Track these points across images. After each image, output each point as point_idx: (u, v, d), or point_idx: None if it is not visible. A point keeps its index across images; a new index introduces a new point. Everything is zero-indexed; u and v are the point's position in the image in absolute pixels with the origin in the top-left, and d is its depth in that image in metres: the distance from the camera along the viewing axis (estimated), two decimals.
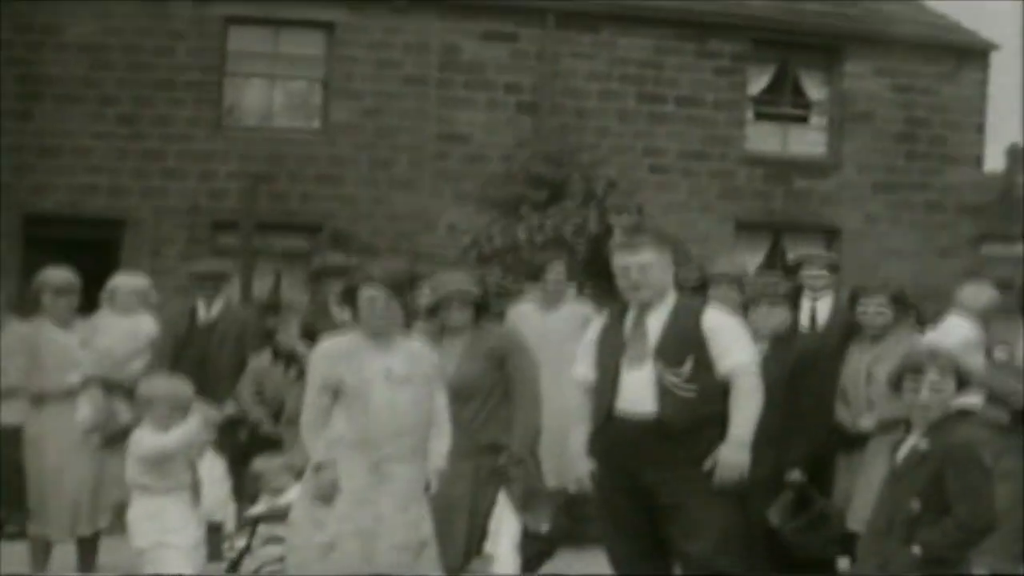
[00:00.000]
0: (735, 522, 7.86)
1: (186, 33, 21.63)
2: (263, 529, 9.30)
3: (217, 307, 11.59)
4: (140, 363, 10.66)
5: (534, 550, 9.00)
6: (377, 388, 7.80)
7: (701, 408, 7.82)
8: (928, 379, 6.57)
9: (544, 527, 8.98)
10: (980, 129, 25.57)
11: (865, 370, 9.11)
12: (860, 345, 9.34)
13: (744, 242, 23.70)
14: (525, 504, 8.83)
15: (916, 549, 6.34)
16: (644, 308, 8.04)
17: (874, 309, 9.31)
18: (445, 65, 22.60)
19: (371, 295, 7.84)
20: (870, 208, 24.43)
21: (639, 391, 7.90)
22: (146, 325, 10.92)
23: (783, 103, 24.77)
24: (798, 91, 24.86)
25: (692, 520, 7.79)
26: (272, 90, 22.75)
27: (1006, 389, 8.12)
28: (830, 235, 24.24)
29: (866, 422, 8.90)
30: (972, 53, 25.44)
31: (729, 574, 7.81)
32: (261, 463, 9.77)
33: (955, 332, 8.98)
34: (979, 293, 9.06)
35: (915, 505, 6.39)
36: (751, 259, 22.91)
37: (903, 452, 6.63)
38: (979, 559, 7.08)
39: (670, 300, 8.09)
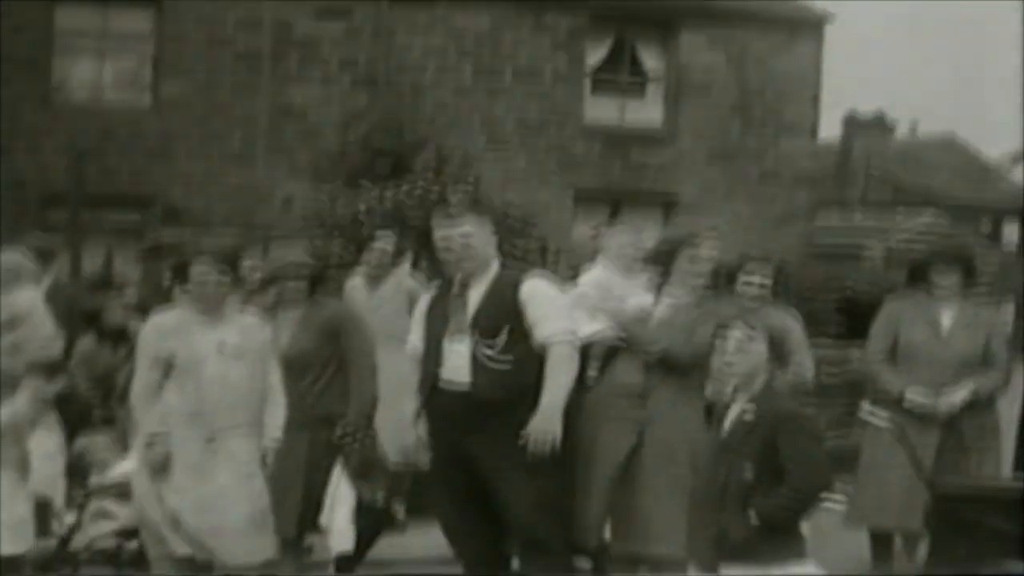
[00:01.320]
0: (552, 490, 7.83)
1: (13, 10, 21.20)
2: (93, 505, 9.10)
3: (45, 283, 11.31)
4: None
5: (370, 523, 8.99)
6: (210, 362, 7.85)
7: (516, 379, 7.80)
8: (734, 336, 6.58)
9: (379, 499, 8.98)
10: (815, 99, 25.87)
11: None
12: None
13: (583, 213, 23.79)
14: (361, 476, 8.81)
15: (752, 516, 6.36)
16: (466, 279, 8.02)
17: (758, 280, 9.29)
18: (278, 41, 22.40)
19: (203, 270, 7.86)
20: (706, 178, 24.63)
21: (458, 363, 7.88)
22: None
23: (620, 75, 24.87)
24: (635, 63, 24.99)
25: (510, 489, 7.79)
26: (101, 67, 22.42)
27: (643, 337, 8.08)
28: (667, 205, 24.40)
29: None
30: (806, 24, 25.74)
31: (545, 542, 7.85)
32: (84, 440, 9.59)
33: (588, 277, 8.94)
34: (619, 238, 8.99)
35: (748, 473, 6.41)
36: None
37: (729, 421, 6.63)
38: None
39: (492, 271, 8.06)
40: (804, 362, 9.07)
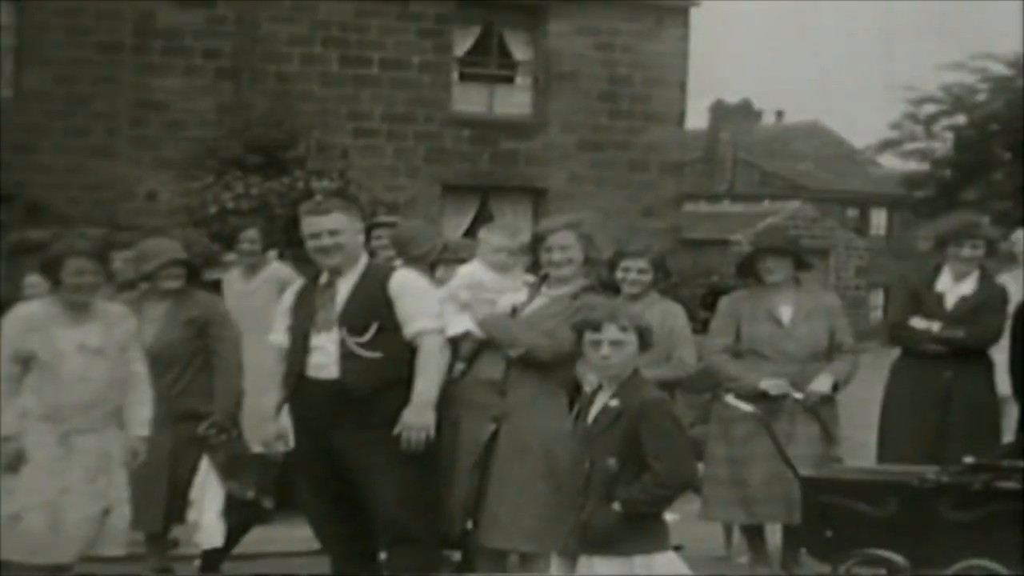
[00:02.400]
0: (421, 484, 7.85)
1: None
2: None
3: None
4: None
5: (239, 517, 8.93)
6: (69, 360, 7.74)
7: (385, 371, 7.77)
8: (608, 335, 6.56)
9: (249, 494, 8.92)
10: (682, 87, 25.95)
11: None
12: None
13: (452, 204, 23.79)
14: (229, 471, 8.79)
15: (616, 506, 6.35)
16: (335, 273, 7.98)
17: (636, 271, 9.29)
18: (140, 32, 22.11)
19: (77, 267, 7.76)
20: (575, 168, 24.72)
21: (326, 355, 7.84)
22: None
23: (488, 64, 24.90)
24: (503, 52, 25.03)
25: (377, 481, 7.78)
26: None
27: (504, 336, 8.14)
28: (537, 195, 24.48)
29: None
30: (672, 10, 25.87)
31: (412, 533, 7.84)
32: None
33: (460, 274, 8.98)
34: (492, 236, 9.03)
35: (612, 463, 6.41)
36: (459, 221, 23.03)
37: (595, 411, 6.62)
38: None
39: (361, 264, 8.05)
40: (686, 354, 9.18)
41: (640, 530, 6.38)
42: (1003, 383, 9.07)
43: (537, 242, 8.30)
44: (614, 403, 6.52)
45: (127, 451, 7.95)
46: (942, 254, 9.44)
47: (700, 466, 8.53)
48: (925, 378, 9.26)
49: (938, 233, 9.64)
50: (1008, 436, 9.11)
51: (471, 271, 8.75)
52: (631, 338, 6.58)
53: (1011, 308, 9.03)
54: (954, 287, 9.35)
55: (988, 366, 9.36)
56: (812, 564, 7.90)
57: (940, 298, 9.34)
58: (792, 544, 8.73)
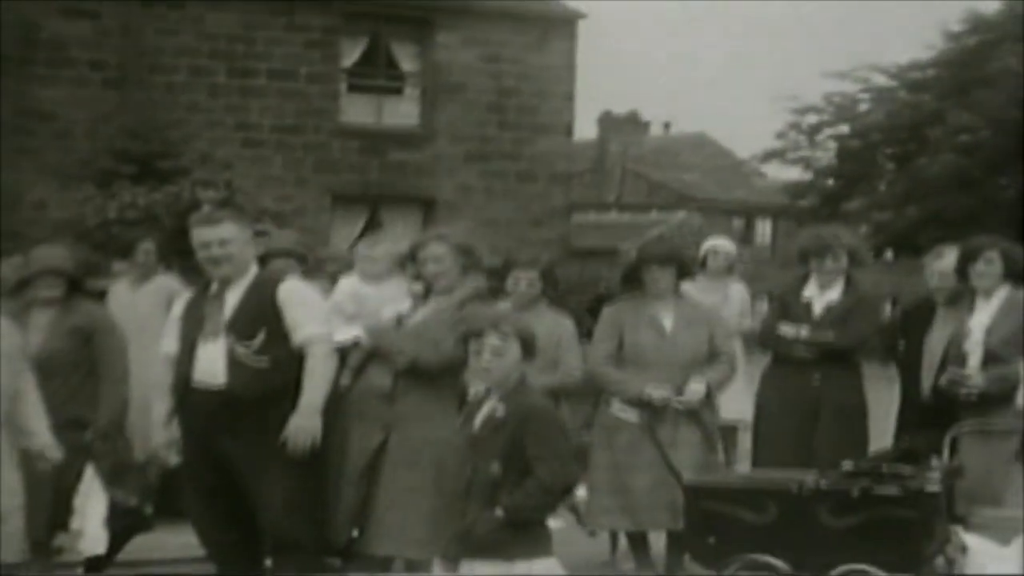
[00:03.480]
0: (307, 491, 7.91)
1: None
2: None
3: None
4: None
5: (123, 525, 8.91)
6: None
7: (273, 379, 7.81)
8: (489, 343, 6.66)
9: (133, 501, 8.94)
10: (569, 97, 26.09)
11: None
12: None
13: (341, 214, 23.76)
14: (113, 479, 8.78)
15: (499, 511, 6.43)
16: (225, 282, 8.00)
17: (525, 282, 9.39)
18: (25, 42, 21.87)
19: None
20: (464, 178, 24.77)
21: (213, 363, 7.87)
22: None
23: (376, 75, 24.94)
24: (391, 63, 25.05)
25: (263, 489, 7.81)
26: None
27: (391, 346, 8.29)
28: (425, 206, 24.48)
29: None
30: (559, 22, 26.01)
31: (297, 541, 7.89)
32: None
33: (342, 285, 9.10)
34: (371, 247, 9.15)
35: (495, 468, 6.47)
36: (348, 231, 23.00)
37: (480, 418, 6.71)
38: None
39: (251, 274, 8.07)
40: (573, 363, 9.29)
41: (522, 535, 6.45)
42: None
43: (412, 255, 8.45)
44: (499, 410, 6.59)
45: (36, 456, 7.76)
46: (806, 266, 9.58)
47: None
48: (795, 383, 9.35)
49: (800, 248, 9.79)
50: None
51: (350, 283, 8.85)
52: (513, 346, 6.67)
53: None
54: (821, 295, 9.46)
55: (856, 371, 9.51)
56: (696, 570, 7.96)
57: (808, 305, 9.45)
58: (676, 550, 8.84)
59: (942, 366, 8.94)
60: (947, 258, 9.35)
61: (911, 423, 9.32)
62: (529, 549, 6.47)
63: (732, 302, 11.14)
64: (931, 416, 8.95)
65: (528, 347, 6.74)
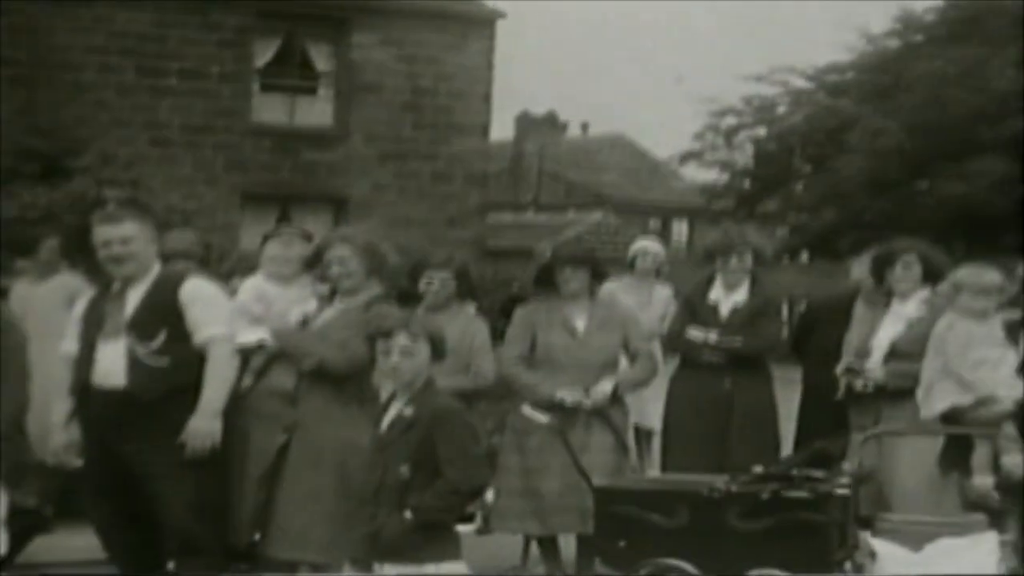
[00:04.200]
0: (209, 493, 7.83)
1: None
2: None
3: None
4: None
5: (22, 525, 8.79)
6: None
7: (173, 379, 7.76)
8: (398, 343, 6.65)
9: (32, 502, 8.93)
10: (486, 98, 26.15)
11: None
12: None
13: (251, 214, 23.70)
14: (12, 480, 8.53)
15: (408, 513, 6.44)
16: (127, 281, 7.92)
17: (438, 282, 9.30)
18: None
19: None
20: (377, 178, 24.81)
21: (113, 363, 7.80)
22: None
23: (290, 75, 24.89)
24: (305, 63, 25.04)
25: (164, 490, 7.76)
26: None
27: (297, 348, 8.27)
28: (338, 205, 24.47)
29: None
30: (477, 22, 26.05)
31: (199, 543, 7.83)
32: None
33: (246, 286, 8.99)
34: (277, 247, 9.07)
35: (405, 470, 6.49)
36: (259, 230, 22.83)
37: (388, 419, 6.71)
38: None
39: (153, 273, 8.01)
40: (485, 366, 9.16)
41: (431, 538, 6.47)
42: None
43: (317, 256, 8.40)
44: (408, 411, 6.61)
45: None
46: (712, 266, 9.56)
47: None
48: (705, 387, 9.33)
49: (706, 247, 9.80)
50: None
51: (255, 283, 8.72)
52: (422, 347, 6.68)
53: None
54: (727, 297, 9.46)
55: (766, 374, 9.49)
56: (606, 573, 7.87)
57: (715, 308, 9.44)
58: (586, 554, 8.70)
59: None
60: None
61: (817, 424, 9.24)
62: (438, 552, 6.50)
63: (656, 304, 11.09)
64: (838, 418, 8.96)
65: (437, 348, 6.74)
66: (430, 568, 6.45)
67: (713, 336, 9.29)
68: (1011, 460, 7.54)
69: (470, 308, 9.55)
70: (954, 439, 7.82)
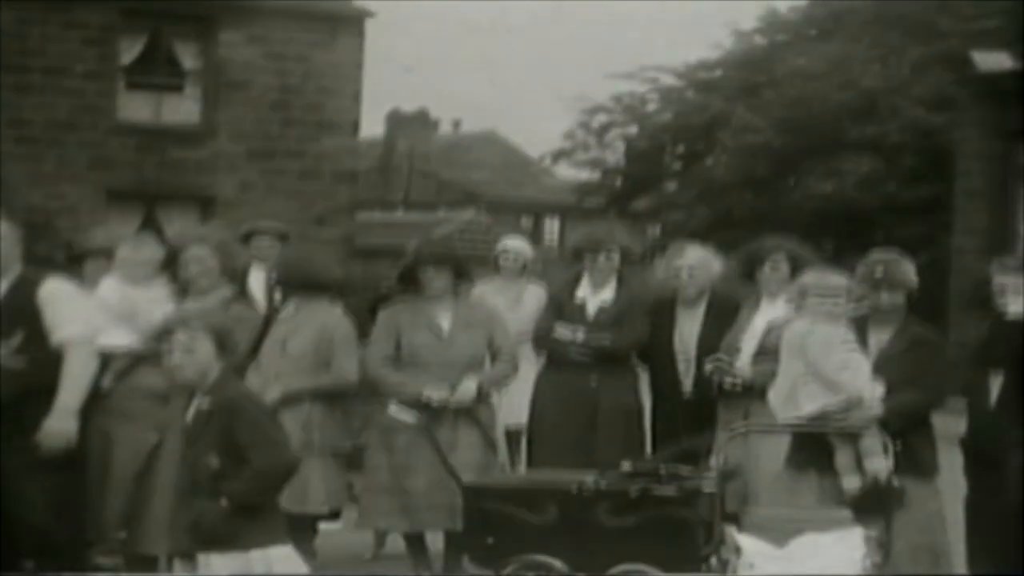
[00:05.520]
0: (68, 492, 7.86)
1: None
2: None
3: None
4: None
5: None
6: None
7: (30, 380, 7.77)
8: (177, 340, 6.77)
9: None
10: (356, 96, 26.09)
11: (281, 341, 8.99)
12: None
13: (116, 212, 23.50)
14: None
15: (223, 501, 6.54)
16: None
17: None
18: None
19: None
20: (245, 176, 24.68)
21: None
22: None
23: (156, 73, 24.69)
24: (172, 61, 24.85)
25: (23, 489, 7.75)
26: None
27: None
28: (205, 203, 24.39)
29: (273, 392, 8.67)
30: (346, 20, 25.96)
31: (60, 542, 7.86)
32: None
33: (103, 287, 8.95)
34: (132, 248, 9.05)
35: (214, 461, 6.61)
36: (124, 230, 22.64)
37: (191, 412, 6.84)
38: None
39: (13, 273, 8.00)
40: (346, 363, 9.10)
41: (252, 523, 6.59)
42: None
43: (173, 256, 8.58)
44: (205, 404, 6.74)
45: None
46: (580, 264, 9.58)
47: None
48: (571, 385, 9.33)
49: (573, 245, 9.85)
50: None
51: (114, 284, 8.66)
52: (204, 342, 6.78)
53: None
54: (594, 295, 9.47)
55: (633, 372, 9.55)
56: (474, 569, 7.85)
57: (582, 306, 9.45)
58: (454, 550, 8.79)
59: (699, 362, 9.04)
60: (689, 256, 9.39)
61: (669, 422, 9.31)
62: (263, 537, 6.62)
63: (527, 303, 11.07)
64: (692, 414, 9.06)
65: (224, 344, 6.83)
66: (256, 554, 6.55)
67: (580, 334, 9.29)
68: (874, 463, 7.58)
69: (332, 305, 9.51)
70: (809, 438, 7.84)
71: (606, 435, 9.17)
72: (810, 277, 8.08)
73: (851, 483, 7.63)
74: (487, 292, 10.07)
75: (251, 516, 6.57)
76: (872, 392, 7.68)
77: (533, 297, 11.15)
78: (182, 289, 8.60)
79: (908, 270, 8.07)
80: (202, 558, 6.61)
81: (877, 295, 7.94)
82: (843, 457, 7.70)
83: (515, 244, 11.44)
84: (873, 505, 7.45)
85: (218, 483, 6.57)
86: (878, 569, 7.03)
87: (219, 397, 6.70)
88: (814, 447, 7.83)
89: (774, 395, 7.97)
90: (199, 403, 6.77)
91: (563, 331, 9.34)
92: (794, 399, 7.82)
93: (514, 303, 10.80)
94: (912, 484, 7.59)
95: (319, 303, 9.28)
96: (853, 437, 7.67)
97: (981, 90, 21.08)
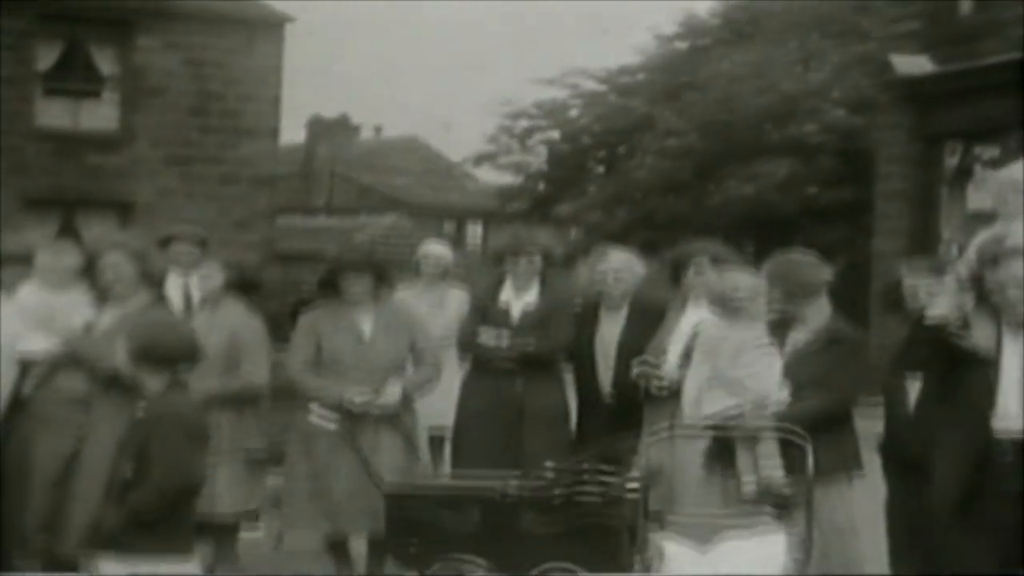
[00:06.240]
0: None
1: None
2: None
3: None
4: None
5: None
6: None
7: None
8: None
9: None
10: (276, 101, 26.05)
11: None
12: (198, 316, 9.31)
13: (34, 219, 23.29)
14: None
15: (126, 510, 6.57)
16: None
17: (218, 282, 9.31)
18: None
19: None
20: (164, 182, 24.58)
21: None
22: None
23: (74, 79, 24.54)
24: (90, 66, 24.68)
25: None
26: None
27: (91, 354, 8.34)
28: (124, 209, 24.28)
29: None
30: (265, 25, 25.90)
31: None
32: None
33: (22, 293, 8.93)
34: (50, 255, 9.04)
35: (128, 469, 6.65)
36: (42, 236, 22.44)
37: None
38: None
39: None
40: (255, 367, 9.16)
41: (151, 534, 6.57)
42: None
43: (91, 263, 8.53)
44: (141, 412, 6.75)
45: None
46: (502, 267, 9.57)
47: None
48: (497, 389, 9.32)
49: (495, 248, 9.90)
50: None
51: (33, 290, 8.63)
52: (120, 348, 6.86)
53: None
54: (517, 298, 9.46)
55: (558, 375, 9.53)
56: (397, 571, 7.84)
57: (506, 311, 9.44)
58: (377, 553, 8.78)
59: (620, 365, 9.05)
60: (613, 259, 9.41)
61: (592, 424, 9.30)
62: (163, 548, 6.61)
63: (449, 308, 11.06)
64: (613, 416, 9.06)
65: (148, 354, 6.79)
66: (153, 565, 6.55)
67: (504, 340, 9.27)
68: (767, 468, 7.59)
69: (242, 306, 9.45)
70: (725, 441, 7.86)
71: (532, 438, 9.16)
72: (728, 279, 8.09)
73: (748, 486, 7.65)
74: (408, 297, 10.04)
75: (150, 527, 6.57)
76: (778, 395, 7.69)
77: (455, 301, 11.15)
78: (101, 295, 8.58)
79: (818, 270, 8.10)
80: (102, 561, 6.61)
81: (791, 295, 7.96)
82: (743, 460, 7.71)
83: (436, 249, 11.43)
84: (778, 507, 7.48)
85: (127, 491, 6.58)
86: (800, 568, 7.04)
87: (153, 408, 6.70)
88: (729, 450, 7.82)
89: (685, 397, 7.99)
90: (137, 410, 6.78)
91: (487, 336, 9.32)
92: (703, 401, 7.83)
93: (436, 307, 10.81)
94: (822, 485, 7.57)
95: (232, 306, 9.31)
96: (756, 440, 7.70)
97: (901, 93, 21.17)
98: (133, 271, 8.51)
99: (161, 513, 6.59)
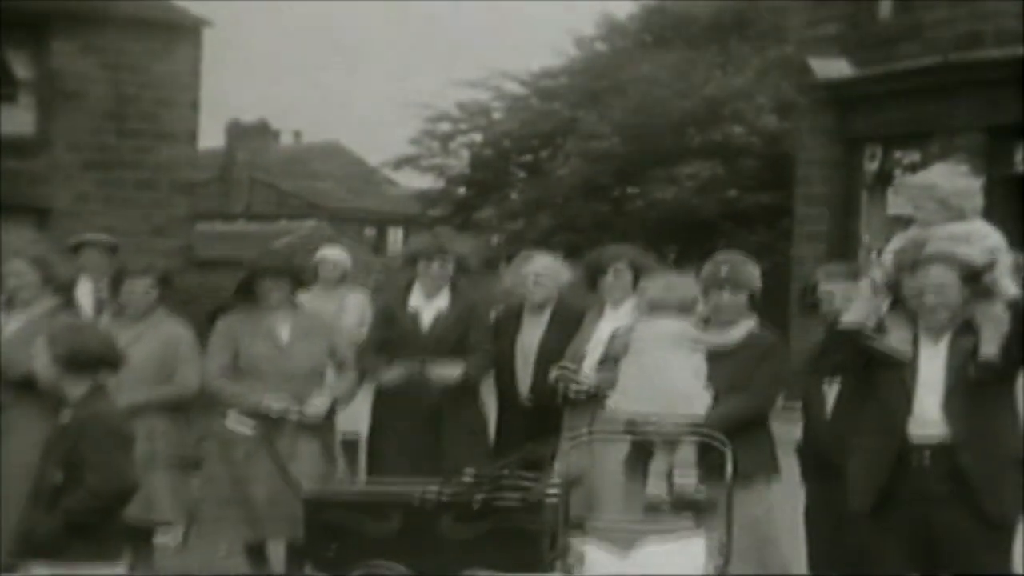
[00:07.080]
0: None
1: None
2: None
3: None
4: None
5: None
6: None
7: None
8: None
9: None
10: (194, 105, 25.86)
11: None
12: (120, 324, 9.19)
13: None
14: None
15: (58, 515, 6.56)
16: None
17: (141, 290, 9.23)
18: None
19: None
20: (81, 187, 24.36)
21: None
22: None
23: None
24: (4, 70, 24.41)
25: None
26: None
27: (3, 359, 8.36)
28: (40, 215, 24.01)
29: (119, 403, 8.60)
30: (183, 29, 25.71)
31: None
32: None
33: None
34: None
35: (58, 475, 6.62)
36: None
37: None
38: None
39: None
40: (190, 373, 9.14)
41: (84, 540, 6.57)
42: None
43: None
44: (66, 418, 6.73)
45: None
46: (413, 271, 9.52)
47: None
48: (415, 394, 9.25)
49: (408, 251, 9.83)
50: None
51: None
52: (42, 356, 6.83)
53: None
54: (428, 304, 9.40)
55: (473, 384, 9.47)
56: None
57: (415, 315, 9.38)
58: (296, 559, 8.71)
59: (540, 369, 9.06)
60: (536, 263, 9.41)
61: (511, 428, 9.32)
62: (92, 553, 6.61)
63: (350, 311, 11.02)
64: (532, 420, 9.07)
65: (74, 360, 6.78)
66: (83, 569, 6.55)
67: (418, 370, 9.20)
68: (681, 474, 7.59)
69: (174, 317, 9.39)
70: (638, 446, 7.87)
71: (450, 443, 9.14)
72: (652, 282, 8.08)
73: (656, 489, 7.65)
74: (306, 301, 9.93)
75: (83, 533, 6.56)
76: (700, 399, 7.70)
77: (355, 305, 11.13)
78: (7, 301, 8.54)
79: (752, 271, 8.09)
80: (33, 567, 6.60)
81: (720, 295, 7.95)
82: (656, 465, 7.71)
83: (333, 253, 11.45)
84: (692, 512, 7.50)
85: (58, 497, 6.57)
86: (720, 571, 7.01)
87: (79, 414, 6.69)
88: (649, 454, 7.81)
89: (610, 401, 7.97)
90: (62, 417, 6.76)
91: (401, 370, 9.25)
92: (624, 403, 7.83)
93: (337, 312, 10.80)
94: (741, 489, 7.53)
95: (162, 314, 9.28)
96: (674, 444, 7.69)
97: (821, 97, 21.28)
98: (37, 277, 8.50)
99: (96, 518, 6.60)
